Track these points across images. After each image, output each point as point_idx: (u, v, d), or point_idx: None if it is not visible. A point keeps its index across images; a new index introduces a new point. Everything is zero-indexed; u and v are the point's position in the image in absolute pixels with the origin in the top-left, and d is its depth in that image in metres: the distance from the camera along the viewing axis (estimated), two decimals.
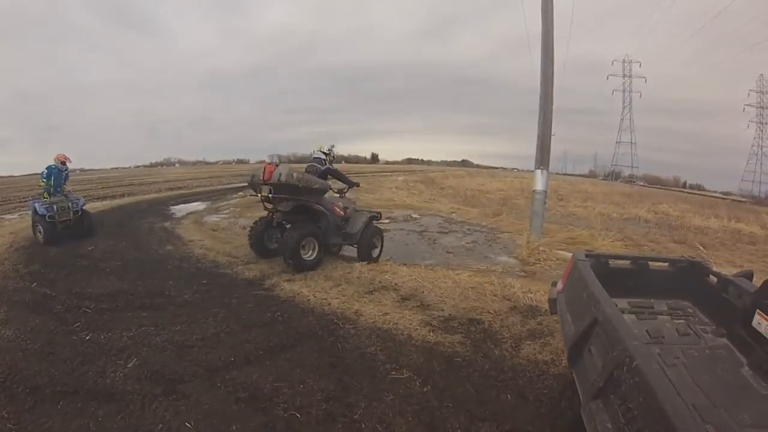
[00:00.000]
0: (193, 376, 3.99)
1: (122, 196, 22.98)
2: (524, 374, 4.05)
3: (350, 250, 8.63)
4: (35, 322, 5.45)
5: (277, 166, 7.33)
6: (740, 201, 61.37)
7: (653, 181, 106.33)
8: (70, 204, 10.50)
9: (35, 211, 10.36)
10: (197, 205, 18.41)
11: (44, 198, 10.38)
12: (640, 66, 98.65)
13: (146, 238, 10.67)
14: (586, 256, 3.27)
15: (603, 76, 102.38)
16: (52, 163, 10.59)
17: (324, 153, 8.52)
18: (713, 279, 3.17)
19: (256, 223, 8.33)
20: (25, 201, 25.08)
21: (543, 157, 10.18)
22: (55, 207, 10.12)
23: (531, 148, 10.46)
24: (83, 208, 10.91)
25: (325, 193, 7.89)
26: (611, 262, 3.43)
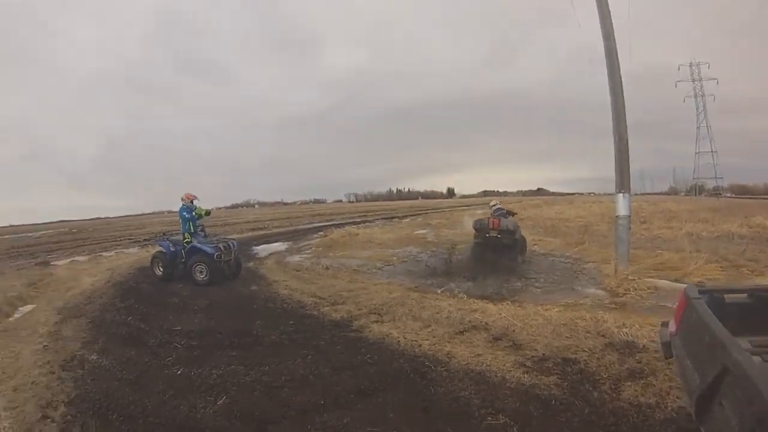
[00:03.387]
0: (283, 418, 4.04)
1: (209, 235, 24.18)
2: (627, 419, 3.84)
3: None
4: (130, 353, 5.86)
5: (497, 220, 11.65)
6: None
7: (741, 191, 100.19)
8: (230, 244, 11.02)
9: (168, 249, 11.01)
10: (279, 246, 18.89)
11: (186, 238, 10.71)
12: (709, 67, 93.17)
13: (231, 277, 10.98)
14: (699, 291, 3.02)
15: (671, 84, 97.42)
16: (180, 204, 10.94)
17: (499, 205, 12.74)
18: None
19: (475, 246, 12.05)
20: (120, 240, 26.97)
21: (623, 180, 9.80)
22: (221, 246, 10.55)
23: (606, 170, 10.08)
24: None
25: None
26: (727, 296, 3.15)
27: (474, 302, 7.59)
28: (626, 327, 5.83)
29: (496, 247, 11.54)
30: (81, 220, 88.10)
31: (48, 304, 9.46)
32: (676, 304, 3.24)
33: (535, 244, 15.58)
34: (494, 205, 12.83)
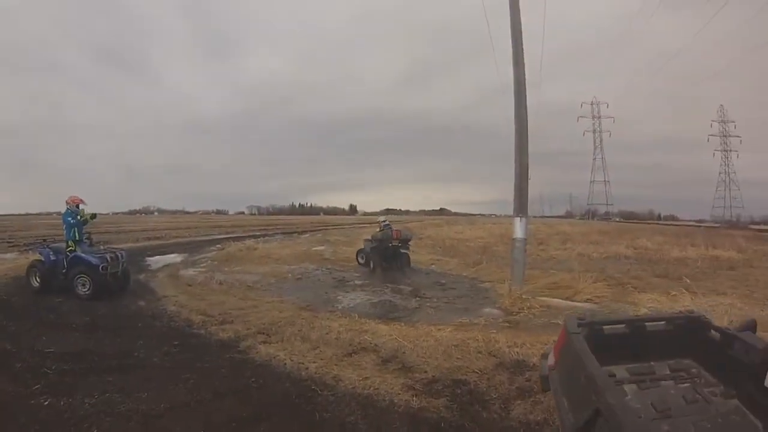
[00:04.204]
0: None
1: (96, 244, 22.73)
2: None
3: None
4: None
5: (399, 231, 14.81)
6: (714, 227, 62.97)
7: (629, 216, 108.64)
8: (119, 255, 10.15)
9: (48, 258, 10.00)
10: (174, 257, 17.97)
11: (69, 246, 9.75)
12: (608, 107, 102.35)
13: (118, 291, 10.20)
14: (579, 325, 2.94)
15: (573, 118, 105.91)
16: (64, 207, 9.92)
17: (386, 222, 15.23)
18: (716, 334, 2.96)
19: (363, 251, 15.45)
20: None
21: (521, 205, 10.16)
22: (108, 257, 9.67)
23: (507, 193, 10.47)
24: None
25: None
26: (606, 328, 3.18)
27: (365, 322, 7.46)
28: (517, 346, 5.92)
29: (395, 255, 14.39)
30: None
31: None
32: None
33: (432, 264, 16.09)
34: (383, 221, 15.40)
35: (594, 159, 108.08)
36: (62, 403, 4.49)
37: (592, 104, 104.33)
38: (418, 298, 10.06)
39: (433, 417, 4.20)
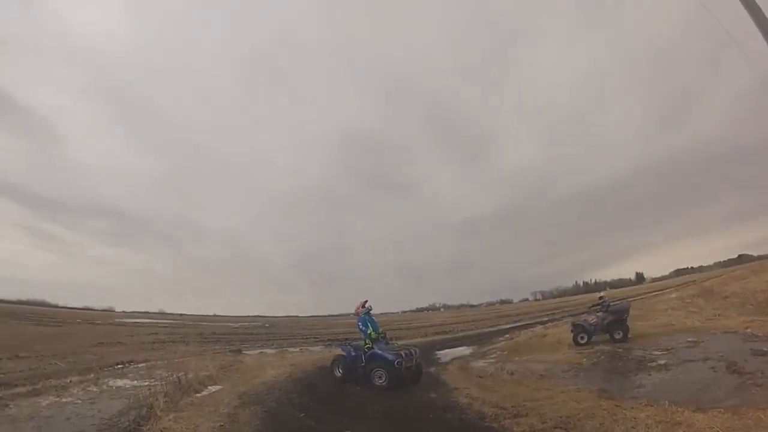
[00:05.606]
0: None
1: (391, 341, 24.64)
2: None
3: None
4: None
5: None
6: None
7: None
8: (412, 351, 11.26)
9: (349, 353, 11.49)
10: (463, 350, 18.46)
11: (367, 345, 11.16)
12: None
13: (411, 383, 10.77)
14: None
15: None
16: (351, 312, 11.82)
17: (605, 298, 16.95)
18: None
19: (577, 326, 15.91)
20: (306, 338, 28.84)
21: None
22: (402, 354, 10.79)
23: None
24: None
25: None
26: None
27: (677, 411, 6.40)
28: None
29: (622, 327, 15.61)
30: (274, 317, 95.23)
31: (232, 387, 10.44)
32: None
33: (747, 328, 13.44)
34: (602, 297, 17.29)
35: None
36: None
37: None
38: (736, 374, 8.40)
39: None
